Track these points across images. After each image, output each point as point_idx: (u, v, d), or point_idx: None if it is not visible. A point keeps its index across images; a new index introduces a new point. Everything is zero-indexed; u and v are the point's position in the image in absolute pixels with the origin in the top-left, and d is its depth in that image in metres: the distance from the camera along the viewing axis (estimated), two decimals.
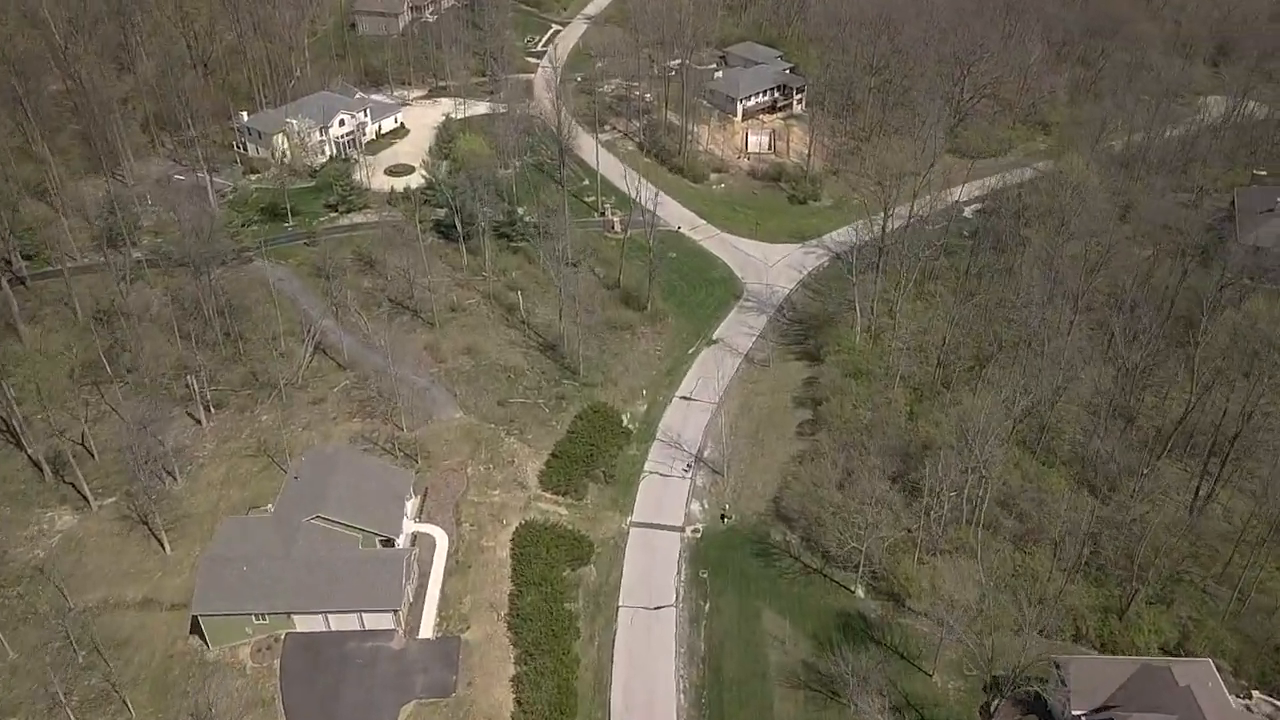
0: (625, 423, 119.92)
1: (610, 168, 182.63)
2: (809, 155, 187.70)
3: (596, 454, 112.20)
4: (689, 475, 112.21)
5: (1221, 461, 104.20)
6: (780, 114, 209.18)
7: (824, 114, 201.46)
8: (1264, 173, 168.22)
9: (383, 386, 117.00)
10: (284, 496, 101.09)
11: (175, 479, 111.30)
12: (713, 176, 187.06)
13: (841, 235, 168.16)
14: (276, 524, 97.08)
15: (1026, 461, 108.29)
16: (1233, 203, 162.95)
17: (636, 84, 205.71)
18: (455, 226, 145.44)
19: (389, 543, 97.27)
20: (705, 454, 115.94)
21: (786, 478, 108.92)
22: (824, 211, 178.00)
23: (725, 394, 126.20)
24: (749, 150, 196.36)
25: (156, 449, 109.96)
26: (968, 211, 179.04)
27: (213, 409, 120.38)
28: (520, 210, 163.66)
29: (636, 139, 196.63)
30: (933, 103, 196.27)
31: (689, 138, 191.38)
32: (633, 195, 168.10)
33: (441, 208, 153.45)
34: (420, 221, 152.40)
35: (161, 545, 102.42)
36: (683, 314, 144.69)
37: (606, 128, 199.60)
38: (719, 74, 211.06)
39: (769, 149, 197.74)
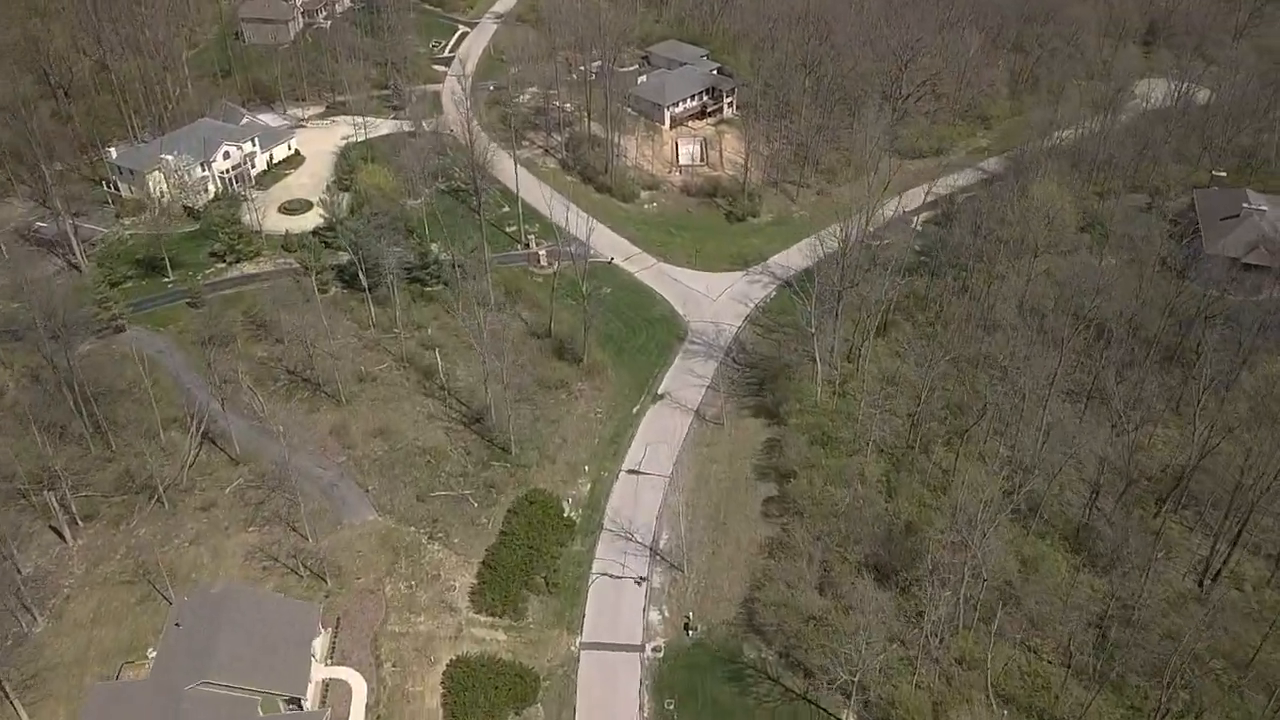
0: (567, 511, 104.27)
1: (532, 190, 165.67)
2: (745, 166, 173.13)
3: (536, 557, 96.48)
4: (644, 583, 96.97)
5: (1238, 529, 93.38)
6: (711, 119, 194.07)
7: (757, 118, 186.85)
8: (1223, 173, 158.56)
9: (283, 485, 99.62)
10: (165, 648, 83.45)
11: (35, 618, 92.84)
12: (643, 195, 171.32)
13: (786, 258, 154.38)
14: (156, 689, 79.64)
15: (1020, 538, 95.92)
16: (1193, 206, 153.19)
17: (554, 92, 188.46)
18: (360, 275, 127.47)
19: (295, 703, 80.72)
20: (661, 543, 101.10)
21: (756, 574, 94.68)
22: (765, 229, 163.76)
23: (677, 463, 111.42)
24: (680, 163, 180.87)
25: (10, 579, 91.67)
26: (918, 223, 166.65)
27: (80, 521, 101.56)
28: (434, 248, 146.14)
29: (558, 155, 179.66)
30: (871, 102, 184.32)
31: (615, 151, 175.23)
32: (559, 222, 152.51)
33: (344, 252, 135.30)
34: (320, 272, 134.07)
35: (17, 716, 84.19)
36: (623, 363, 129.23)
37: (525, 144, 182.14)
38: (643, 78, 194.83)
39: (701, 160, 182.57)
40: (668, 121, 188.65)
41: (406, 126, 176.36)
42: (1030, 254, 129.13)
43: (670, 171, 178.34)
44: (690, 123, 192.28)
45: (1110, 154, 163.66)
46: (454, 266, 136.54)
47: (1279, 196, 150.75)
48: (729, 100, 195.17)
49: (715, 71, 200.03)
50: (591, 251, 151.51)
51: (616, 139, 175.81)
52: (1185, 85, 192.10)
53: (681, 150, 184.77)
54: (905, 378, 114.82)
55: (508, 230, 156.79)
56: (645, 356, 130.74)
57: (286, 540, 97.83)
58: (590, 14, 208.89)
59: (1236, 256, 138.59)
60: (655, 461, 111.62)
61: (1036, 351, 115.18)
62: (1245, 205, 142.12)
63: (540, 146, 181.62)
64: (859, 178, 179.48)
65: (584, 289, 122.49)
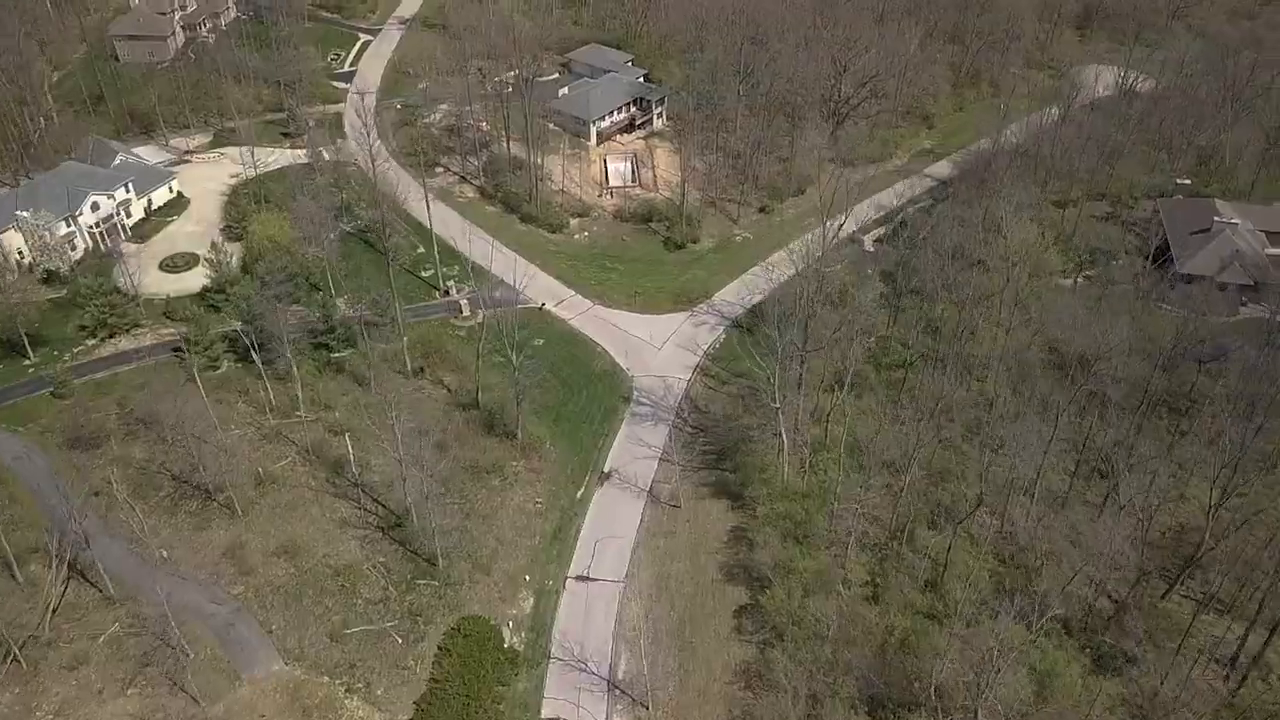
0: (508, 639, 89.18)
1: (449, 225, 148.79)
2: (682, 185, 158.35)
3: (474, 707, 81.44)
4: None
5: (1270, 626, 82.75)
6: (640, 132, 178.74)
7: (690, 129, 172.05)
8: (1187, 180, 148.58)
9: (168, 629, 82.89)
10: None
11: None
12: (573, 223, 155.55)
13: (733, 293, 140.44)
14: None
15: (1025, 643, 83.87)
16: (1158, 216, 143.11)
17: (469, 109, 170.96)
18: (253, 355, 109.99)
19: None
20: (620, 672, 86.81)
21: (734, 712, 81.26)
22: (707, 258, 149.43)
23: (632, 562, 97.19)
24: (610, 184, 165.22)
25: None
26: (869, 243, 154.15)
27: None
28: (340, 303, 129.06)
29: (476, 182, 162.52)
30: (811, 109, 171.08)
31: (538, 175, 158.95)
32: (481, 262, 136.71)
33: (238, 321, 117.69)
34: (207, 349, 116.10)
35: None
36: (563, 433, 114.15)
37: (439, 170, 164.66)
38: (564, 90, 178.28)
39: (633, 180, 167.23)
40: (594, 137, 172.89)
41: (304, 157, 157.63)
42: (1009, 301, 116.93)
43: (600, 194, 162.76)
44: (618, 137, 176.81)
45: (1069, 161, 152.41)
46: (364, 327, 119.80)
47: (1246, 204, 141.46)
48: (659, 111, 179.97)
49: (642, 79, 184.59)
50: (520, 296, 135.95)
51: (539, 160, 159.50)
52: (1131, 76, 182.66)
53: (611, 170, 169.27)
54: (878, 445, 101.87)
55: (424, 275, 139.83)
56: (588, 424, 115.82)
57: (174, 705, 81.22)
58: (502, 19, 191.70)
59: (1210, 275, 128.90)
60: (606, 562, 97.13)
61: (1024, 408, 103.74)
62: (1216, 219, 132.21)
63: (456, 173, 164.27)
64: (803, 191, 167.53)
65: (514, 361, 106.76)
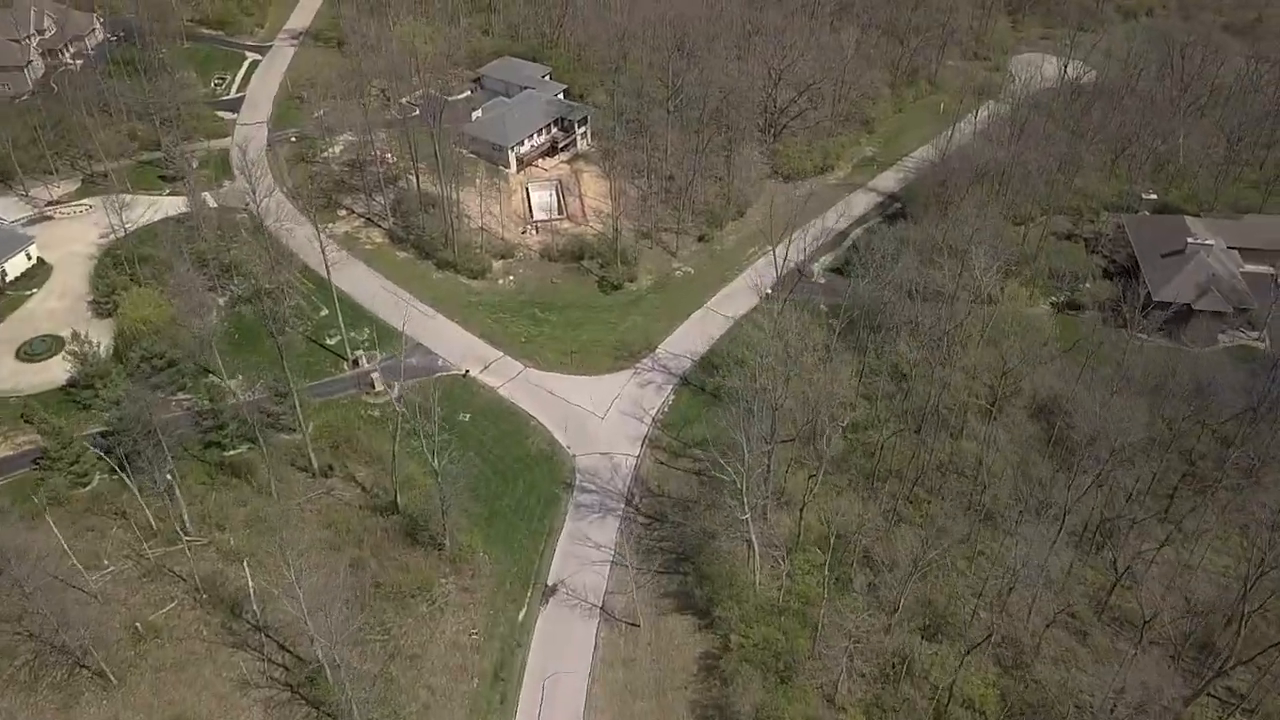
0: None
1: (356, 278, 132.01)
2: (614, 216, 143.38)
3: None
4: None
5: None
6: (563, 155, 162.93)
7: (617, 150, 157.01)
8: (1153, 195, 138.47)
9: None
10: None
11: None
12: (496, 266, 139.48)
13: (678, 342, 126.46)
14: None
15: None
16: (1122, 232, 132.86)
17: (372, 138, 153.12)
18: (125, 478, 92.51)
19: None
20: None
21: None
22: (647, 299, 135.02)
23: (589, 705, 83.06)
24: (535, 218, 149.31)
25: None
26: (819, 273, 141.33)
27: None
28: (235, 387, 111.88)
29: (384, 224, 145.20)
30: (746, 123, 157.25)
31: (454, 212, 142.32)
32: (394, 323, 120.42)
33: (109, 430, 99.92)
34: (73, 462, 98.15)
35: None
36: (498, 538, 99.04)
37: (342, 213, 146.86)
38: (477, 113, 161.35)
39: (560, 211, 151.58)
40: (514, 164, 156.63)
41: (186, 206, 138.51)
42: (979, 340, 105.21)
43: (525, 231, 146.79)
44: (540, 162, 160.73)
45: (1025, 175, 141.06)
46: (259, 419, 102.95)
47: (1216, 219, 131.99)
48: (582, 131, 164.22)
49: (562, 95, 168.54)
50: (440, 362, 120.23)
51: (454, 194, 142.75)
52: (1072, 68, 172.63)
53: (535, 201, 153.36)
54: (861, 537, 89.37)
55: (329, 343, 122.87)
56: (525, 521, 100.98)
57: None
58: (403, 32, 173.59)
59: (1188, 303, 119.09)
60: (558, 707, 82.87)
61: (1020, 487, 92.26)
62: (1190, 240, 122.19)
63: (361, 215, 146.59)
64: (742, 214, 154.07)
65: (436, 465, 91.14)
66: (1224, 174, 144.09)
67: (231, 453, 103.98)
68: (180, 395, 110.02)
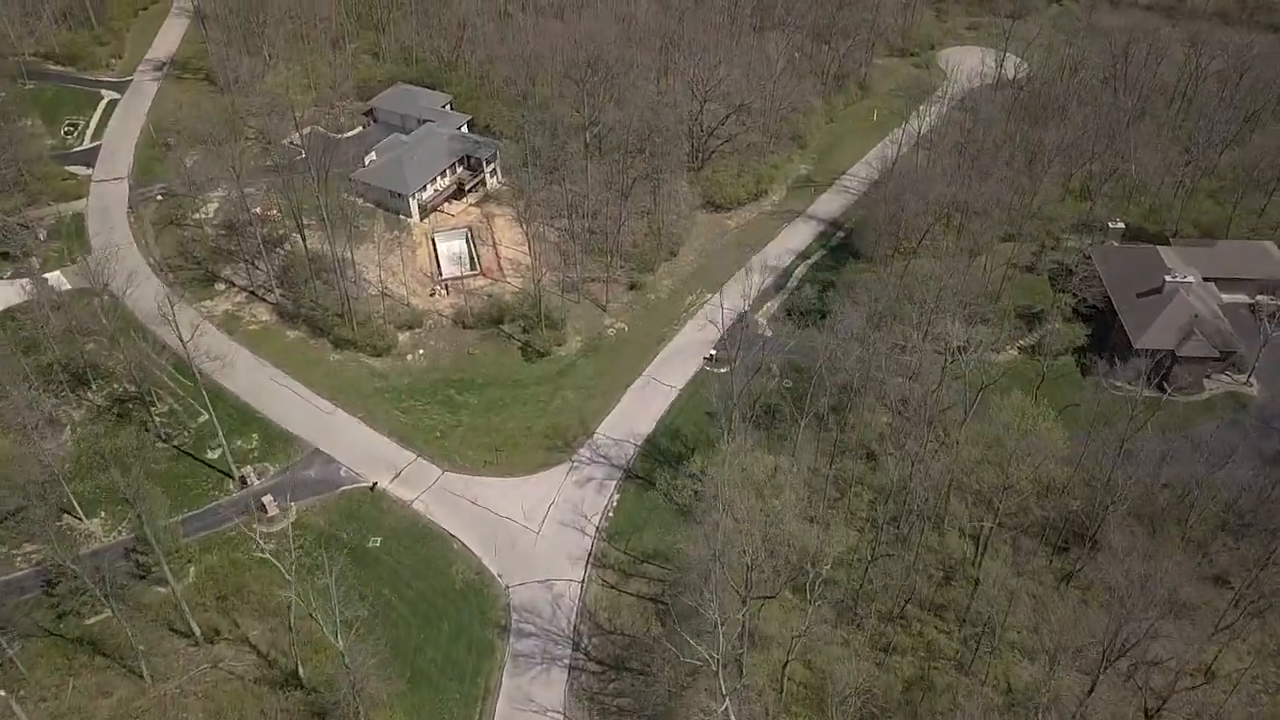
0: None
1: (240, 370, 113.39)
2: (534, 267, 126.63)
3: None
4: None
5: None
6: (472, 197, 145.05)
7: (532, 187, 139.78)
8: (1120, 224, 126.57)
9: None
10: None
11: None
12: (403, 339, 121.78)
13: (618, 423, 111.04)
14: None
15: None
16: (1090, 265, 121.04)
17: (253, 191, 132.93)
18: None
19: None
20: None
21: None
22: (578, 369, 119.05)
23: None
24: (444, 277, 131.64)
25: None
26: (764, 324, 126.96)
27: None
28: (93, 526, 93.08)
29: (271, 297, 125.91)
30: (673, 150, 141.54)
31: (351, 275, 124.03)
32: (287, 424, 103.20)
33: None
34: None
35: None
36: (423, 707, 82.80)
37: (220, 287, 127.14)
38: (372, 155, 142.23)
39: (472, 266, 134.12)
40: (416, 213, 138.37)
41: (29, 288, 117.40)
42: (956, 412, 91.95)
43: (434, 292, 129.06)
44: (446, 207, 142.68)
45: (979, 198, 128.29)
46: (125, 569, 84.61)
47: (1188, 247, 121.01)
48: (491, 169, 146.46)
49: (465, 128, 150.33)
50: (343, 472, 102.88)
51: (349, 254, 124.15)
52: (1003, 61, 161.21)
53: (443, 254, 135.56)
54: (856, 685, 75.66)
55: (210, 457, 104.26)
56: (456, 682, 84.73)
57: None
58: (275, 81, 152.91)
59: (1171, 349, 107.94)
60: None
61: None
62: (1168, 279, 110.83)
63: (243, 287, 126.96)
64: (674, 253, 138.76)
65: (340, 645, 74.32)
66: (1185, 189, 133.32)
67: (93, 620, 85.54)
68: (28, 547, 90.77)
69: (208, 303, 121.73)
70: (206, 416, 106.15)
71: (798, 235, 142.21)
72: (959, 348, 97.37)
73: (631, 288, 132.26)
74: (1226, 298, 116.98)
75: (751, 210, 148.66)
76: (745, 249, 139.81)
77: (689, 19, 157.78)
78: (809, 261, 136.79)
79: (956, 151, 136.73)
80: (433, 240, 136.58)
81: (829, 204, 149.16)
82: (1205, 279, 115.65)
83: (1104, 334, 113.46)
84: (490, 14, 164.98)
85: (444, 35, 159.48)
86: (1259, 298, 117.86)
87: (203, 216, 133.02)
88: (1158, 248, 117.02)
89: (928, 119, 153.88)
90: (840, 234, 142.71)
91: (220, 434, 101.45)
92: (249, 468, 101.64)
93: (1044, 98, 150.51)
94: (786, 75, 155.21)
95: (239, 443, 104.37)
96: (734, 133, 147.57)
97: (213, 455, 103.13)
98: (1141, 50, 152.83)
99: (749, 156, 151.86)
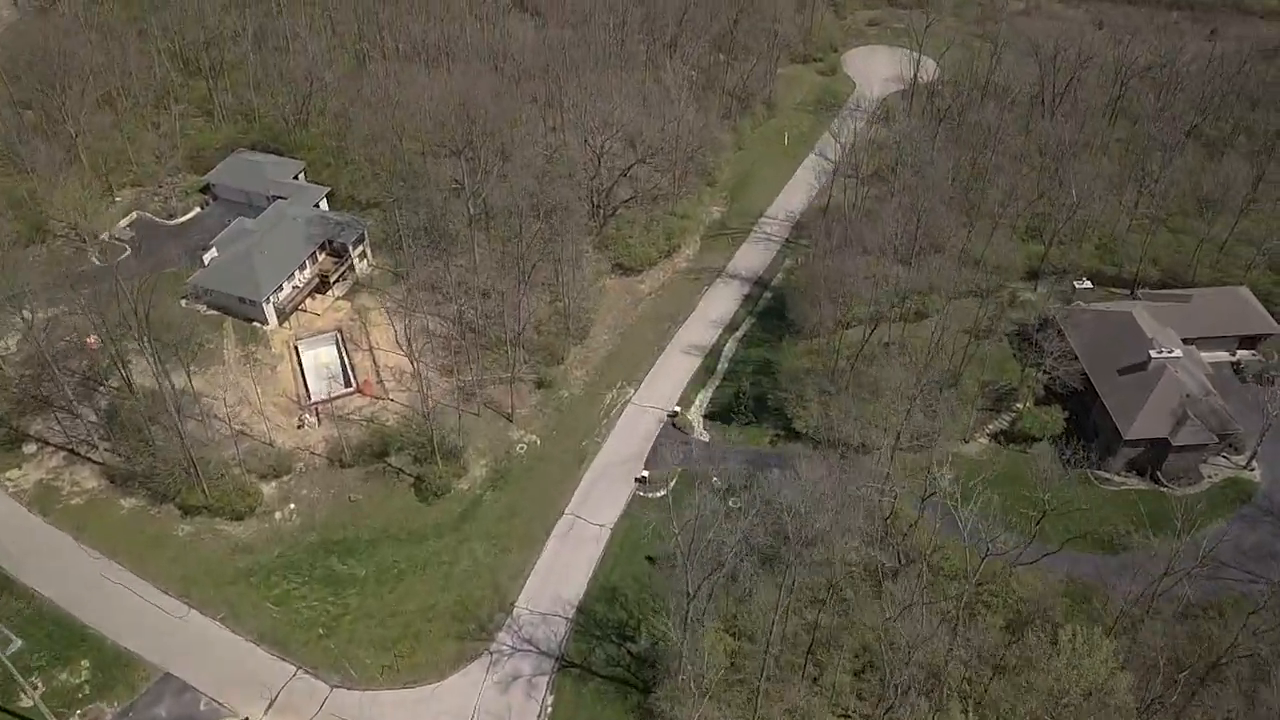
0: None
1: (60, 569, 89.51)
2: (418, 379, 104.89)
3: None
4: None
5: None
6: (339, 287, 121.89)
7: (410, 267, 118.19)
8: (1088, 284, 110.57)
9: None
10: None
11: None
12: (269, 493, 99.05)
13: (539, 591, 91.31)
14: None
15: None
16: (1058, 333, 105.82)
17: (59, 312, 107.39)
18: None
19: None
20: None
21: None
22: (485, 510, 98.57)
23: None
24: (313, 400, 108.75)
25: None
26: (699, 428, 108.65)
27: None
28: None
29: (98, 456, 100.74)
30: (572, 214, 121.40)
31: (198, 413, 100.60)
32: (132, 643, 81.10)
33: None
34: None
35: None
36: None
37: (30, 448, 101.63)
38: (211, 252, 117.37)
39: (346, 381, 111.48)
40: (273, 318, 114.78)
41: None
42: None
43: (301, 423, 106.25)
44: (309, 304, 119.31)
45: (925, 269, 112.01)
46: None
47: (1160, 304, 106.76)
48: (359, 250, 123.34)
49: (324, 204, 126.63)
50: (203, 706, 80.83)
51: (189, 383, 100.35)
52: (914, 64, 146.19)
53: (311, 370, 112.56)
54: None
55: (22, 705, 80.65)
56: None
57: None
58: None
59: (1163, 437, 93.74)
60: None
61: None
62: (1153, 353, 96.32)
63: (60, 445, 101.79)
64: (585, 335, 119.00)
65: None
66: (1142, 227, 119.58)
67: None
68: None
69: (13, 473, 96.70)
70: (21, 642, 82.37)
71: (720, 301, 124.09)
72: (932, 477, 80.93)
73: (539, 385, 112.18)
74: (1206, 356, 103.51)
75: (665, 270, 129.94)
76: (664, 322, 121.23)
77: (572, 52, 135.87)
78: (738, 335, 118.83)
79: (882, 185, 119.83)
80: (296, 350, 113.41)
81: (750, 257, 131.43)
82: (1184, 340, 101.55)
83: (1083, 414, 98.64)
84: (342, 62, 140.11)
85: (289, 89, 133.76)
86: (1240, 353, 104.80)
87: (2, 355, 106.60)
88: (1131, 310, 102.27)
89: (843, 135, 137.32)
90: (768, 295, 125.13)
91: (37, 659, 78.13)
92: (77, 716, 78.56)
93: (974, 126, 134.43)
94: (689, 106, 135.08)
95: (63, 677, 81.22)
96: (636, 190, 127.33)
97: (25, 704, 79.53)
98: (1071, 55, 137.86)
99: (656, 207, 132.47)
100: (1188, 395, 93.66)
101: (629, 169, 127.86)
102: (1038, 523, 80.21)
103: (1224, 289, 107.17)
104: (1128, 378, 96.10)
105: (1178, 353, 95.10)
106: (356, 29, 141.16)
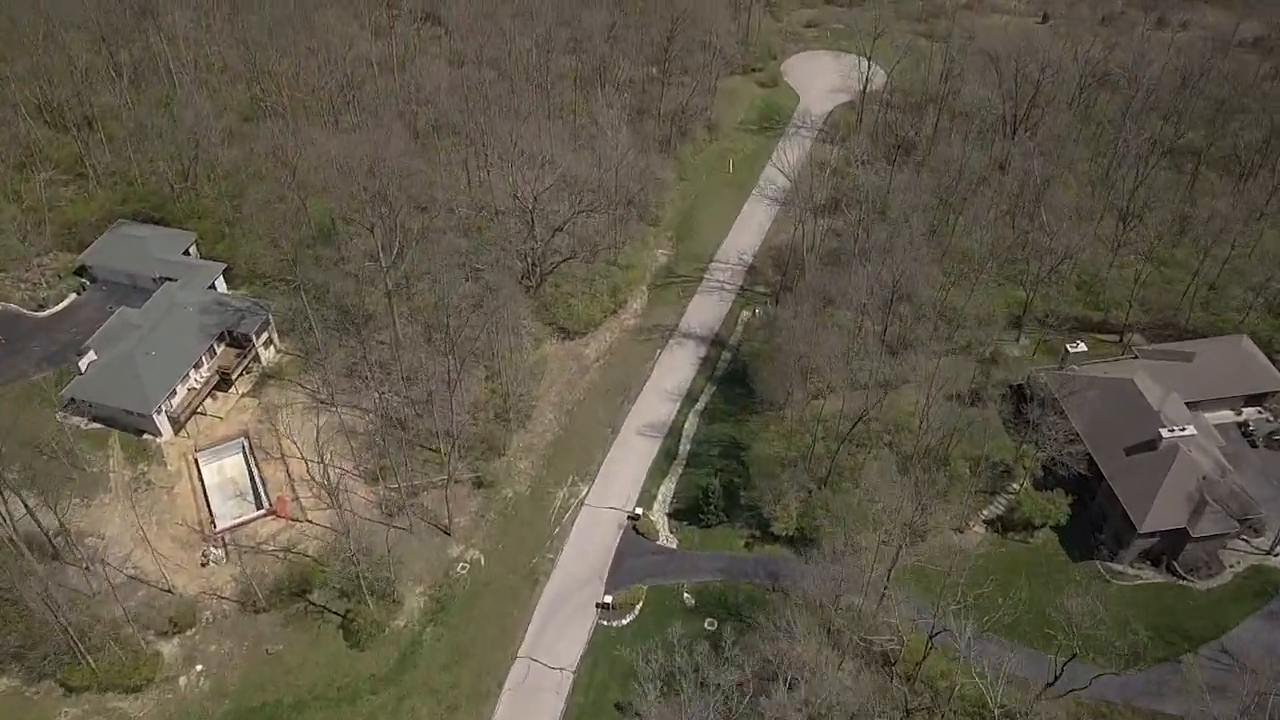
0: None
1: None
2: (336, 492, 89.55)
3: None
4: None
5: None
6: (245, 381, 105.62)
7: (324, 355, 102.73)
8: (1082, 346, 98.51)
9: None
10: None
11: None
12: (169, 654, 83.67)
13: None
14: None
15: None
16: (1053, 405, 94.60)
17: None
18: None
19: None
20: None
21: None
22: (424, 655, 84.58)
23: None
24: (220, 530, 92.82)
25: None
26: (664, 530, 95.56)
27: None
28: None
29: None
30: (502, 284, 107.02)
31: (82, 558, 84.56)
32: None
33: None
34: None
35: None
36: None
37: None
38: (89, 356, 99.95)
39: (258, 501, 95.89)
40: (166, 429, 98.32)
41: None
42: None
43: (206, 560, 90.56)
44: (208, 404, 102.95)
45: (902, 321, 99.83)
46: None
47: (1161, 362, 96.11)
48: (264, 338, 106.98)
49: (221, 283, 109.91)
50: None
51: (62, 522, 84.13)
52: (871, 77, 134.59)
53: (215, 488, 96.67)
54: None
55: None
56: None
57: None
58: None
59: (1183, 527, 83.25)
60: None
61: None
62: (1164, 432, 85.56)
63: None
64: (528, 418, 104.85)
65: None
66: (1126, 262, 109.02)
67: None
68: None
69: None
70: None
71: (676, 367, 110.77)
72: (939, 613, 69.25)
73: (479, 485, 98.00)
74: (1210, 417, 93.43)
75: (612, 329, 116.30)
76: (615, 395, 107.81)
77: (494, 89, 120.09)
78: (698, 408, 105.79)
79: (839, 218, 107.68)
80: (196, 464, 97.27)
81: (703, 310, 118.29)
82: (1188, 403, 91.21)
83: (1086, 494, 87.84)
84: (235, 110, 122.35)
85: (171, 147, 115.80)
86: (1245, 412, 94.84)
87: None
88: (1132, 377, 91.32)
89: (791, 168, 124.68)
90: (726, 355, 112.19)
91: None
92: None
93: (938, 154, 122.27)
94: (626, 147, 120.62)
95: None
96: (575, 247, 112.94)
97: None
98: (1032, 68, 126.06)
99: (597, 258, 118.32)
100: (1204, 477, 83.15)
101: (565, 223, 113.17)
102: (1065, 664, 68.85)
103: (1225, 340, 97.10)
104: (1137, 458, 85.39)
105: (1190, 429, 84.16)
106: (252, 72, 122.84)
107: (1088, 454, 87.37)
